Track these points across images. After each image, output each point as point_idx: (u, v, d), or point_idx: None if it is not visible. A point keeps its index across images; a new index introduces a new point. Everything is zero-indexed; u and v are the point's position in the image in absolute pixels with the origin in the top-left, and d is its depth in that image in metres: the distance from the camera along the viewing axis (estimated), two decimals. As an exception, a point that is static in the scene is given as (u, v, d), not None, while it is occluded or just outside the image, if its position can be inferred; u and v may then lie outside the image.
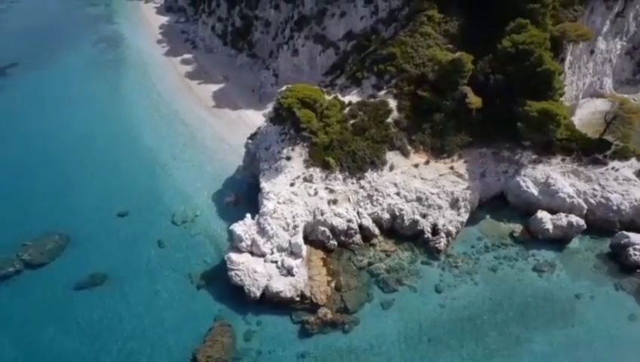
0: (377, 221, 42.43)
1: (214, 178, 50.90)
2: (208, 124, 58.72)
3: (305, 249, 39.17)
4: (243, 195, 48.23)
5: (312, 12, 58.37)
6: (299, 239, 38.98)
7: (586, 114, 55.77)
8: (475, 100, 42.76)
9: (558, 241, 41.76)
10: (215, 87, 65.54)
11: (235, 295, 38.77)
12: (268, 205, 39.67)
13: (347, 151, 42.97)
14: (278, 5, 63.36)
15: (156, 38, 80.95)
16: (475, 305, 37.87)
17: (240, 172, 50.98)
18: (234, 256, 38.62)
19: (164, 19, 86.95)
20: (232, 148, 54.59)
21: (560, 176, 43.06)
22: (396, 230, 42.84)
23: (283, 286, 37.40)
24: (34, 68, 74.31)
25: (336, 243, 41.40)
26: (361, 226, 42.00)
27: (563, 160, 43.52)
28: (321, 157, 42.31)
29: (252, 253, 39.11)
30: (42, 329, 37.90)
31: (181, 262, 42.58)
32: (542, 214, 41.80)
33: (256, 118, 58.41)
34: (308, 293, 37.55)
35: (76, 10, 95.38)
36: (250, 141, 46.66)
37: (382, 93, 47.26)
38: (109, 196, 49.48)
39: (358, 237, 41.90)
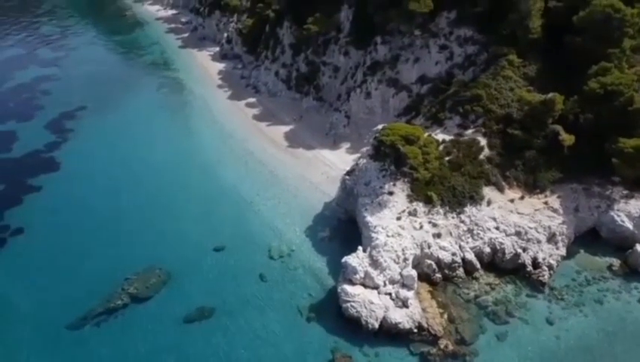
0: (478, 255, 43.51)
1: (302, 214, 52.16)
2: (286, 164, 60.59)
3: (417, 281, 40.12)
4: (336, 230, 49.54)
5: (386, 58, 61.54)
6: (412, 271, 39.91)
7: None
8: (568, 138, 44.77)
9: (659, 274, 42.79)
10: (285, 129, 67.96)
11: (348, 327, 39.25)
12: (380, 238, 40.87)
13: (447, 187, 44.62)
14: (348, 52, 66.78)
15: (216, 84, 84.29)
16: (589, 336, 38.28)
17: (328, 208, 52.38)
18: (348, 287, 39.47)
19: (220, 66, 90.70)
20: (314, 186, 56.26)
21: (654, 211, 44.43)
22: (496, 264, 43.84)
23: (400, 317, 38.03)
24: (102, 111, 77.21)
25: (441, 276, 42.34)
26: (463, 260, 43.09)
27: (655, 195, 45.06)
28: (423, 192, 43.88)
29: (364, 285, 39.99)
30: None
31: (286, 295, 43.28)
32: (641, 248, 42.89)
33: (333, 157, 60.50)
34: (425, 325, 38.09)
35: (132, 59, 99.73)
36: (347, 177, 48.36)
37: (469, 131, 49.43)
38: (202, 231, 50.64)
39: (461, 271, 42.83)
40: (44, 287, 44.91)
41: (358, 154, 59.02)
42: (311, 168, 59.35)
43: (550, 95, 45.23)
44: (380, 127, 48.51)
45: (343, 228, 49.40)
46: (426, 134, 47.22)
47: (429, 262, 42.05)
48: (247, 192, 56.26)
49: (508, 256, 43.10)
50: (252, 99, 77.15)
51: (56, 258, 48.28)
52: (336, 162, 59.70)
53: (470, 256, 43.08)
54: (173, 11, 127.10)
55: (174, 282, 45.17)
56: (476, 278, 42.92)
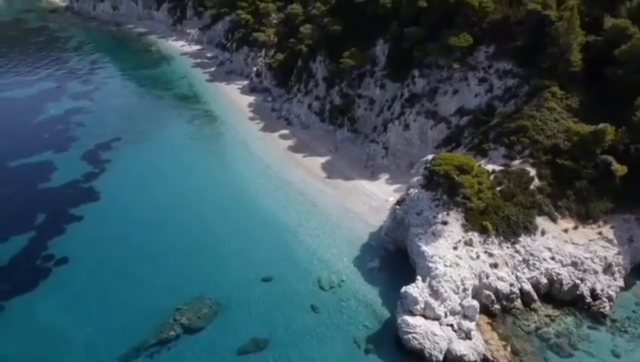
0: (535, 285, 43.02)
1: (348, 244, 52.00)
2: (326, 194, 60.77)
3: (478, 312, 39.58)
4: (385, 261, 49.21)
5: (424, 90, 62.61)
6: (473, 302, 39.44)
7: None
8: (620, 168, 44.93)
9: None
10: (322, 160, 68.50)
11: (408, 359, 38.62)
12: (439, 268, 40.55)
13: (501, 217, 44.59)
14: (384, 85, 68.08)
15: (247, 116, 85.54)
16: (659, 370, 37.61)
17: (374, 238, 52.26)
18: (409, 318, 38.92)
19: (250, 99, 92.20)
20: (356, 216, 56.24)
21: None
22: (553, 295, 43.30)
23: (465, 349, 37.36)
24: (137, 142, 78.23)
25: (499, 307, 41.78)
26: (521, 290, 42.58)
27: None
28: (478, 222, 43.82)
29: (425, 316, 39.41)
30: (217, 394, 37.55)
31: (340, 326, 42.67)
32: (701, 278, 42.38)
33: (373, 188, 60.81)
34: (490, 357, 37.34)
35: (162, 92, 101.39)
36: (397, 207, 48.38)
37: (516, 162, 49.68)
38: (248, 261, 50.44)
39: (519, 302, 42.33)
40: (93, 318, 44.46)
41: (399, 185, 59.82)
42: (351, 199, 59.47)
43: (601, 125, 45.70)
44: (429, 157, 48.91)
45: (391, 259, 49.21)
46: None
47: (487, 292, 41.59)
48: (289, 222, 56.21)
49: (566, 287, 42.63)
50: (285, 131, 78.12)
51: (104, 288, 47.97)
52: (376, 192, 59.95)
53: (527, 286, 42.63)
54: (198, 47, 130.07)
55: (225, 312, 44.69)
56: (534, 310, 42.39)
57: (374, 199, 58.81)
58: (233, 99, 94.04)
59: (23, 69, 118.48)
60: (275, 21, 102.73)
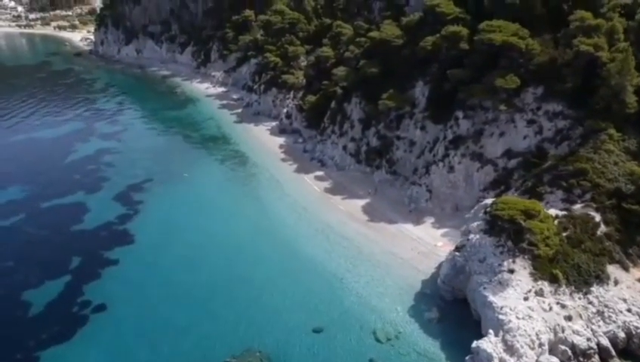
0: (612, 340, 39.99)
1: (400, 292, 49.37)
2: (370, 238, 58.54)
3: (558, 370, 36.58)
4: (443, 311, 46.42)
5: (469, 132, 61.34)
6: (553, 359, 36.55)
7: None
8: (693, 214, 42.75)
9: None
10: (361, 202, 66.66)
11: (484, 422, 35.56)
12: (512, 320, 37.83)
13: (571, 264, 42.14)
14: (425, 126, 67.00)
15: (279, 157, 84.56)
16: None
17: (427, 286, 49.64)
18: (483, 377, 36.01)
19: (280, 140, 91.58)
20: (405, 262, 53.78)
21: None
22: (632, 350, 40.14)
23: (549, 412, 34.21)
24: (169, 183, 77.00)
25: (577, 364, 38.76)
26: (598, 345, 39.55)
27: None
28: (547, 271, 41.36)
29: (499, 374, 36.44)
30: None
31: (404, 383, 39.81)
32: None
33: (419, 232, 58.50)
34: (577, 422, 34.14)
35: (190, 133, 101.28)
36: (457, 253, 46.07)
37: (577, 206, 47.60)
38: (296, 310, 47.85)
39: (596, 358, 39.17)
40: (137, 371, 41.92)
41: (446, 229, 57.85)
42: (398, 243, 57.14)
43: (671, 169, 43.86)
44: (488, 201, 47.01)
45: (450, 309, 46.46)
46: (538, 209, 45.35)
47: (563, 347, 38.58)
48: (335, 269, 53.74)
49: (646, 343, 39.63)
50: (319, 173, 76.69)
51: (145, 336, 45.48)
52: (423, 237, 57.66)
53: (605, 341, 39.58)
54: (223, 89, 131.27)
55: (277, 367, 41.93)
56: (615, 367, 39.26)
57: (422, 244, 56.45)
58: (263, 140, 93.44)
59: (51, 110, 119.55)
60: (303, 63, 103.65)
